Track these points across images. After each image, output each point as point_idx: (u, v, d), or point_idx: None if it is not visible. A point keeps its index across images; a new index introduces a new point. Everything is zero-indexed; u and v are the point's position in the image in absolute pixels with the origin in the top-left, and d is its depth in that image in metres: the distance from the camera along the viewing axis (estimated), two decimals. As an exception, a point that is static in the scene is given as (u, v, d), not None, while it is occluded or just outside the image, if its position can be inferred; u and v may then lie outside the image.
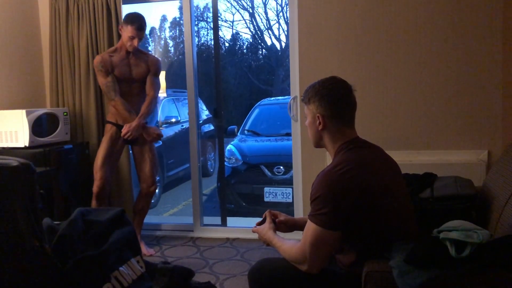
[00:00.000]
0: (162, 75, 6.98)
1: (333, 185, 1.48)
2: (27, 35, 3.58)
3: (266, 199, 4.60)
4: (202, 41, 11.48)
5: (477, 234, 1.35)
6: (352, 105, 1.62)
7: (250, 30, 12.36)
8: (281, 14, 12.00)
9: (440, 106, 2.99)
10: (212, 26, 4.49)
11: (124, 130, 3.07)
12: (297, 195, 3.41)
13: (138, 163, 3.25)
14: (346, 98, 1.60)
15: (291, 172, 3.90)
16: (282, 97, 7.39)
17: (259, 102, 6.51)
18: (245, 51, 12.76)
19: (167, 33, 11.93)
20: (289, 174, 4.47)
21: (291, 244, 1.60)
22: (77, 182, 3.30)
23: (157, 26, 11.40)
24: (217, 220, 3.91)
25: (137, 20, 3.05)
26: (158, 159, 3.45)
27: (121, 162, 3.47)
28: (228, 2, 11.53)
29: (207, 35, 11.62)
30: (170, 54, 11.60)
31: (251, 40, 12.46)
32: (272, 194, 4.60)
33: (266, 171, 4.71)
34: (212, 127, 7.21)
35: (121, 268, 1.61)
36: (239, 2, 11.91)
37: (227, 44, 12.19)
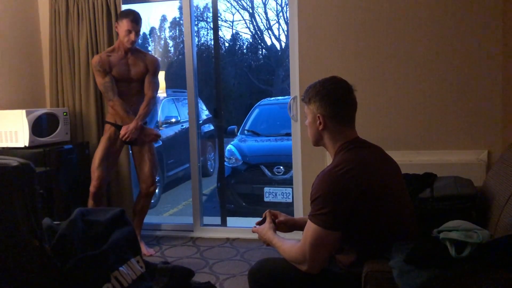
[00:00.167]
0: (161, 75, 6.98)
1: (333, 185, 1.48)
2: (27, 35, 3.58)
3: (266, 199, 4.60)
4: (202, 41, 11.48)
5: (477, 234, 1.35)
6: (352, 105, 1.62)
7: (250, 30, 12.37)
8: (281, 14, 12.01)
9: (440, 106, 2.99)
10: (212, 26, 4.50)
11: (122, 132, 3.07)
12: (297, 195, 3.41)
13: (137, 164, 3.25)
14: (346, 99, 1.60)
15: (291, 172, 3.90)
16: (282, 97, 7.39)
17: (259, 102, 6.51)
18: (245, 51, 12.77)
19: (167, 33, 11.94)
20: (289, 174, 4.47)
21: (291, 244, 1.60)
22: (77, 182, 3.30)
23: (157, 26, 11.42)
24: (217, 220, 3.91)
25: (130, 13, 3.07)
26: (158, 159, 3.44)
27: (121, 163, 3.47)
28: (228, 2, 11.54)
29: (207, 35, 11.63)
30: (170, 54, 11.60)
31: (251, 40, 12.47)
32: (272, 194, 4.60)
33: (266, 171, 4.71)
34: (212, 127, 7.20)
35: (121, 268, 1.61)
36: (239, 2, 11.92)
37: (227, 44, 12.19)
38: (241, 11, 12.10)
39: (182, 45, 10.57)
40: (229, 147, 5.19)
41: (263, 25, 12.26)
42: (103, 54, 3.13)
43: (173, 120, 6.58)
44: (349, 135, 1.61)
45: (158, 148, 5.20)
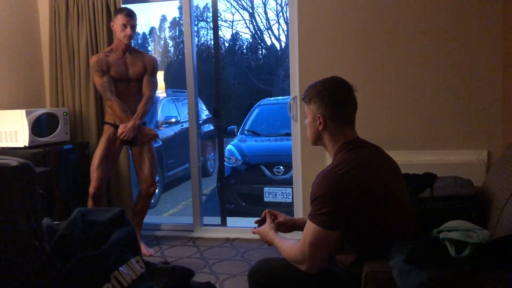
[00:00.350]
0: (160, 75, 6.97)
1: (333, 185, 1.48)
2: (27, 35, 3.58)
3: (266, 199, 4.60)
4: (202, 41, 11.49)
5: (477, 234, 1.35)
6: (352, 105, 1.62)
7: (250, 30, 12.38)
8: (281, 14, 12.02)
9: (440, 106, 2.99)
10: (212, 26, 4.49)
11: (119, 131, 3.07)
12: (297, 195, 3.41)
13: (137, 164, 3.25)
14: (347, 99, 1.60)
15: (291, 172, 3.90)
16: (282, 97, 7.39)
17: (259, 102, 6.51)
18: (245, 51, 12.77)
19: (167, 33, 11.93)
20: (289, 174, 4.47)
21: (291, 244, 1.60)
22: (77, 182, 3.30)
23: (156, 26, 11.41)
24: (217, 220, 3.91)
25: (124, 8, 3.11)
26: (157, 159, 3.44)
27: (120, 163, 3.47)
28: (228, 2, 11.54)
29: (207, 35, 11.64)
30: (170, 54, 11.60)
31: (251, 40, 12.48)
32: (272, 194, 4.60)
33: (266, 171, 4.71)
34: (212, 127, 7.20)
35: (121, 268, 1.61)
36: (239, 2, 11.93)
37: (227, 44, 12.20)
38: (241, 11, 12.11)
39: (182, 45, 10.57)
40: (229, 147, 5.19)
41: (263, 25, 12.28)
42: (101, 54, 3.13)
43: (173, 120, 6.58)
44: (349, 135, 1.61)
45: (158, 148, 5.20)
